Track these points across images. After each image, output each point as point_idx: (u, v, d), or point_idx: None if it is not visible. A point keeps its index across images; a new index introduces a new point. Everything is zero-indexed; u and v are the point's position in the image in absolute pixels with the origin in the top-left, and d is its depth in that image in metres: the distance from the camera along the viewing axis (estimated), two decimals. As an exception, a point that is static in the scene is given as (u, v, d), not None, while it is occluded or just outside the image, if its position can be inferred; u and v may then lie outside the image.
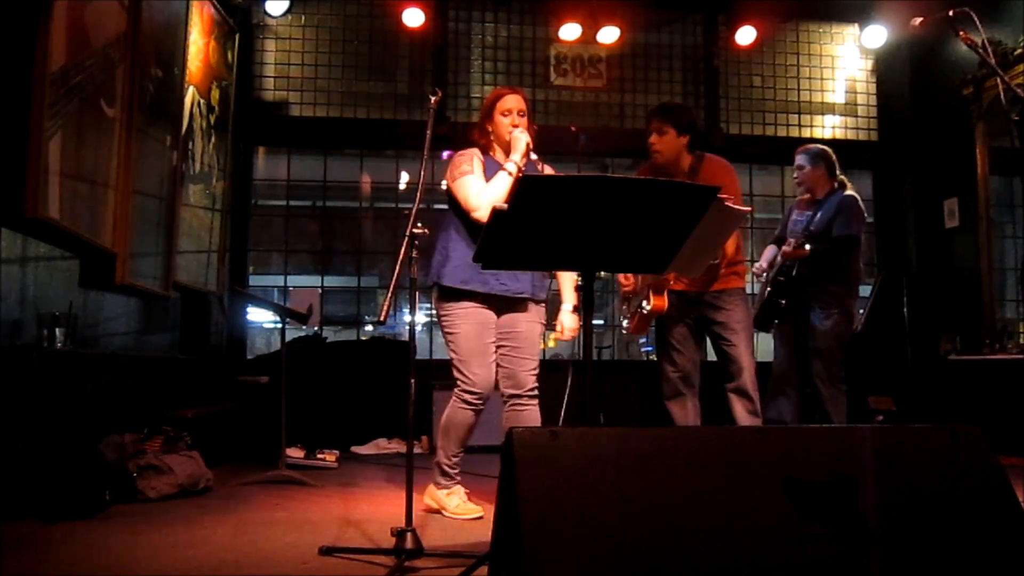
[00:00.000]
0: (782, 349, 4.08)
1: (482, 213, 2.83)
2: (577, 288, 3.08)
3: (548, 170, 3.16)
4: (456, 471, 3.10)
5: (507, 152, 2.98)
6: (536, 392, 3.08)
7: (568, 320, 3.12)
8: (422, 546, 2.24)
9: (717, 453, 1.52)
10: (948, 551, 1.49)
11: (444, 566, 2.22)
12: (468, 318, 2.99)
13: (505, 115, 2.99)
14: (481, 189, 2.92)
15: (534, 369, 3.07)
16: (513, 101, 3.01)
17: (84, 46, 3.42)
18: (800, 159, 4.06)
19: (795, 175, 4.11)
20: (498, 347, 3.06)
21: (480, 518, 2.92)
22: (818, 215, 3.93)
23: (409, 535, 2.23)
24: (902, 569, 1.47)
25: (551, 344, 7.53)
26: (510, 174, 2.87)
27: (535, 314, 3.10)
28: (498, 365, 3.06)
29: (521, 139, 2.91)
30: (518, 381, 3.04)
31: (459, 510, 3.00)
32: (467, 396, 3.00)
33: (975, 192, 5.36)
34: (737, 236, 3.40)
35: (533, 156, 3.02)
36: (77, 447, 3.07)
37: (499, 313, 3.05)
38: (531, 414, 3.04)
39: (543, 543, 1.33)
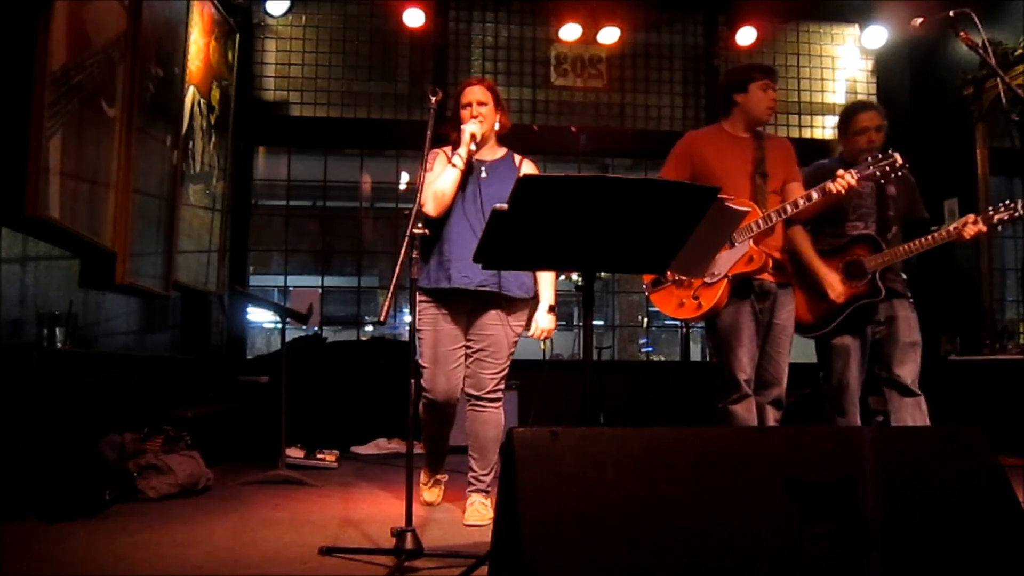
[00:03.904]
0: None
1: (428, 208, 2.84)
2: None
3: (528, 164, 3.05)
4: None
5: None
6: (498, 396, 2.99)
7: (543, 320, 2.98)
8: (422, 546, 2.24)
9: (717, 453, 1.52)
10: (948, 551, 1.49)
11: (444, 566, 2.22)
12: (432, 324, 2.95)
13: (465, 108, 2.93)
14: (429, 184, 2.85)
15: (497, 374, 2.97)
16: (471, 93, 2.93)
17: (84, 46, 3.42)
18: (871, 112, 3.45)
19: (875, 136, 3.40)
20: (468, 347, 2.99)
21: (429, 503, 3.21)
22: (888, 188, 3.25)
23: (409, 535, 2.23)
24: (902, 569, 1.47)
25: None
26: (455, 166, 2.85)
27: (509, 318, 2.97)
28: (466, 366, 3.01)
29: (465, 131, 2.85)
30: (478, 383, 2.97)
31: (423, 492, 3.26)
32: (426, 397, 2.99)
33: (975, 192, 5.36)
34: None
35: (501, 151, 3.02)
36: (77, 447, 3.07)
37: (470, 314, 2.98)
38: (490, 416, 2.97)
39: (543, 543, 1.33)
